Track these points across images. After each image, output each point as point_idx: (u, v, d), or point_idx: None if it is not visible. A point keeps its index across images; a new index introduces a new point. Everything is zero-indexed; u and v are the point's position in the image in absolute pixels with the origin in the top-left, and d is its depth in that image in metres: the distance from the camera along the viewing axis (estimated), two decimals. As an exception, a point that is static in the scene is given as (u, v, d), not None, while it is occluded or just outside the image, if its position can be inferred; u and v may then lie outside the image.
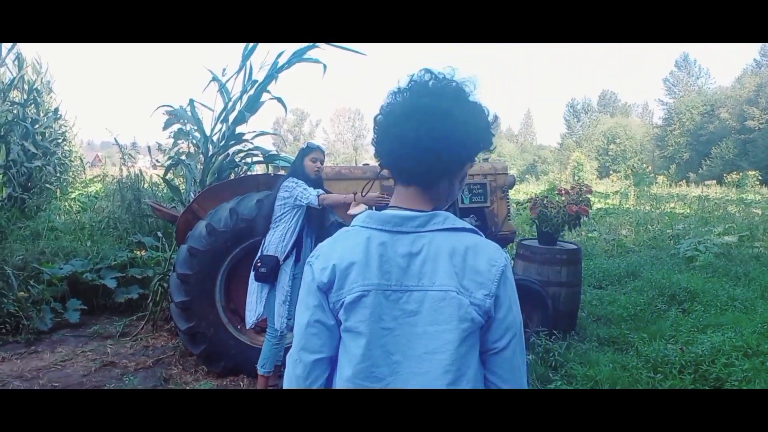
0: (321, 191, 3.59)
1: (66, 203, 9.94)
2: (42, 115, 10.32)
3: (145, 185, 8.31)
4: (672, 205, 15.49)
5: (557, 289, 4.90)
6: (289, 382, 1.24)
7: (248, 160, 6.17)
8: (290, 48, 5.67)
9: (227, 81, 5.73)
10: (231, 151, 5.90)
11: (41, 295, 5.20)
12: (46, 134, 10.46)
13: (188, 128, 6.08)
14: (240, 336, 4.16)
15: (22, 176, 8.95)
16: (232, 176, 5.79)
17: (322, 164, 3.85)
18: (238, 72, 5.71)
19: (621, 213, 13.31)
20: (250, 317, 3.71)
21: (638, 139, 56.47)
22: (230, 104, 5.71)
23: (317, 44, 5.46)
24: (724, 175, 26.51)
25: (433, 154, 1.12)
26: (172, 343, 4.81)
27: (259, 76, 5.70)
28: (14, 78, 9.12)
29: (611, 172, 46.56)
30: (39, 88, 10.35)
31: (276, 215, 3.66)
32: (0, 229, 7.14)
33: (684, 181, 31.83)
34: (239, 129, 5.78)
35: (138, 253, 6.14)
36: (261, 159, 6.27)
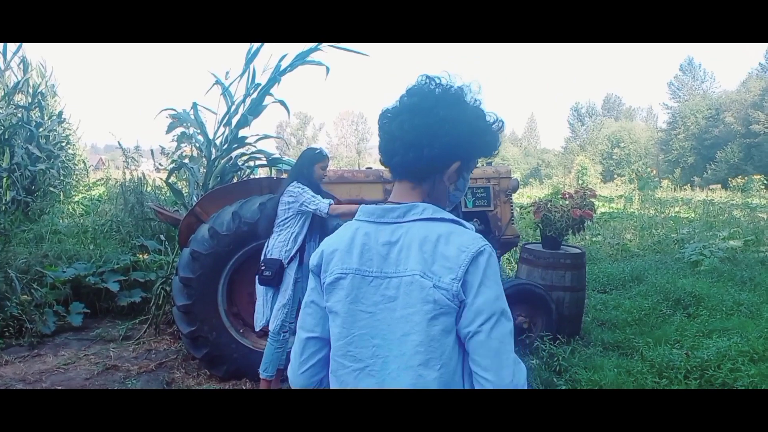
0: (332, 201, 3.58)
1: (69, 206, 9.97)
2: (46, 118, 10.37)
3: (148, 188, 8.33)
4: (677, 209, 15.40)
5: (561, 293, 4.87)
6: (291, 358, 1.38)
7: (251, 163, 6.17)
8: (293, 51, 5.68)
9: (230, 84, 5.74)
10: (234, 154, 5.90)
11: (44, 299, 5.20)
12: (50, 137, 10.50)
13: (191, 132, 6.09)
14: (242, 340, 4.15)
15: (26, 179, 8.98)
16: (235, 180, 5.79)
17: (325, 172, 3.88)
18: (242, 75, 5.72)
19: (625, 217, 13.26)
20: (259, 321, 3.71)
21: (643, 143, 56.33)
22: (233, 107, 5.71)
23: (320, 47, 5.46)
24: (729, 179, 26.41)
25: (416, 150, 1.20)
26: (174, 347, 4.81)
27: (262, 79, 5.70)
28: (19, 81, 9.16)
29: (615, 176, 46.40)
30: (43, 91, 10.40)
31: (279, 219, 3.65)
32: (3, 232, 7.14)
33: (689, 185, 31.74)
34: (242, 132, 5.78)
35: (141, 256, 6.14)
36: (264, 162, 6.27)
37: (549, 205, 5.10)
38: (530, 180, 37.72)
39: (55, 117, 10.94)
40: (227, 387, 4.07)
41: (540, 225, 5.18)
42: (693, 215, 13.95)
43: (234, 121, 5.72)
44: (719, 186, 27.60)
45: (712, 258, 7.73)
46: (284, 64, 5.66)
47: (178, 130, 6.17)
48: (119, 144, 8.65)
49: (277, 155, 6.73)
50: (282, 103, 5.83)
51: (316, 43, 5.35)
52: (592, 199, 5.26)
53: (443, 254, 1.17)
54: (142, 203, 7.35)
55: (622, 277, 7.28)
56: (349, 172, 5.36)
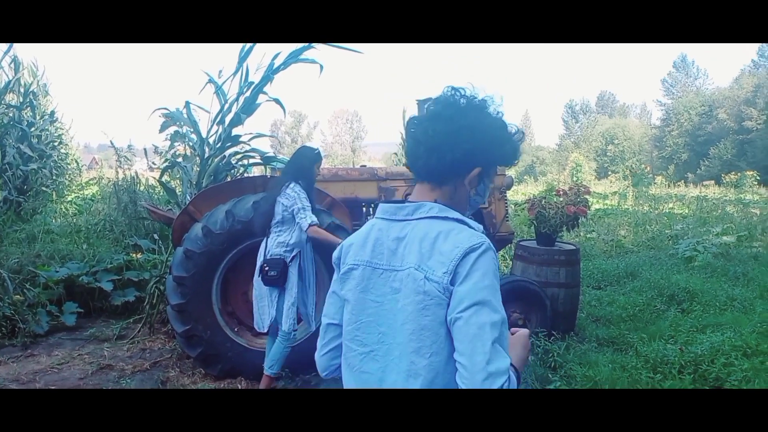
0: (315, 220, 3.56)
1: (62, 206, 9.91)
2: (38, 117, 10.30)
3: (141, 188, 8.29)
4: (670, 205, 15.47)
5: (556, 290, 4.88)
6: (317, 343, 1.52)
7: (245, 162, 6.15)
8: (286, 49, 5.66)
9: (223, 83, 5.71)
10: (227, 153, 5.88)
11: (37, 299, 5.17)
12: (42, 137, 10.43)
13: (184, 130, 6.06)
14: (237, 338, 4.14)
15: (18, 179, 8.91)
16: (229, 178, 5.77)
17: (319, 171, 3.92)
18: (235, 74, 5.70)
19: (619, 214, 13.29)
20: (265, 322, 3.67)
21: (636, 140, 56.51)
22: (226, 106, 5.69)
23: (313, 45, 5.45)
24: (723, 175, 26.54)
25: (438, 154, 1.30)
26: (169, 346, 4.79)
27: (256, 77, 5.69)
28: (10, 81, 9.09)
29: (610, 172, 46.57)
30: (35, 90, 10.32)
31: (277, 219, 3.64)
32: (-4, 232, 7.11)
33: (682, 181, 31.83)
34: (235, 131, 5.76)
35: (134, 255, 6.11)
36: (258, 161, 6.25)
37: (543, 202, 5.11)
38: (525, 177, 37.78)
39: (47, 116, 10.86)
40: (222, 386, 4.05)
41: (534, 222, 5.19)
42: (687, 211, 14.02)
43: (227, 119, 5.70)
44: (713, 182, 27.75)
45: (706, 254, 7.77)
46: (277, 62, 5.64)
47: (172, 129, 6.14)
48: (111, 143, 8.61)
49: (271, 154, 6.71)
50: (277, 101, 5.81)
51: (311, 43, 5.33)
52: (586, 196, 5.27)
53: (439, 250, 1.24)
54: (136, 202, 7.31)
55: (617, 273, 7.31)
56: (343, 170, 5.34)
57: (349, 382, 1.40)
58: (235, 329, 4.22)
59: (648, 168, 33.62)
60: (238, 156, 6.05)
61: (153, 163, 8.76)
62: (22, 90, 9.60)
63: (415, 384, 1.26)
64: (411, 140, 1.37)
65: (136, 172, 8.66)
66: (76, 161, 14.10)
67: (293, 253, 3.65)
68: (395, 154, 14.84)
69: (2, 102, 8.77)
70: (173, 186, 7.11)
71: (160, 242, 6.09)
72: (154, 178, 8.06)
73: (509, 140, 1.36)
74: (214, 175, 5.70)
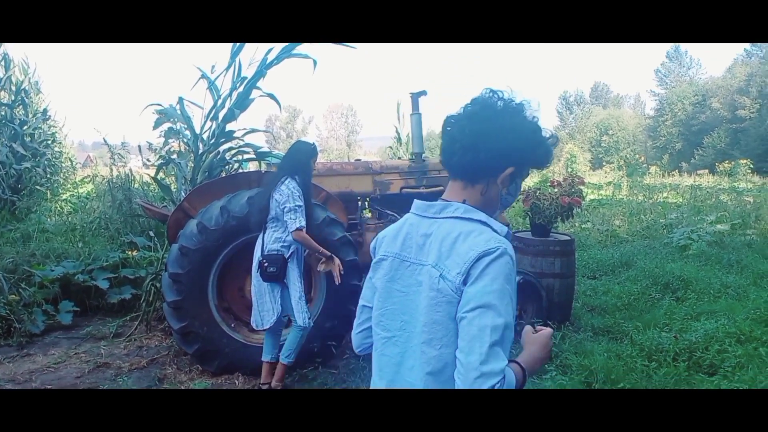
0: (303, 224, 3.53)
1: (57, 205, 9.87)
2: (30, 116, 10.24)
3: (136, 185, 8.26)
4: (665, 194, 15.51)
5: (551, 280, 4.91)
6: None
7: (239, 157, 6.13)
8: (279, 44, 5.63)
9: (216, 78, 5.67)
10: (222, 148, 5.85)
11: (32, 298, 5.15)
12: (35, 135, 10.37)
13: (178, 127, 6.03)
14: (234, 334, 4.14)
15: (11, 178, 8.87)
16: (223, 174, 5.75)
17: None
18: (227, 69, 5.66)
19: (614, 204, 13.34)
20: (269, 318, 3.66)
21: (631, 130, 56.57)
22: (220, 101, 5.66)
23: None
24: (716, 164, 26.58)
25: (473, 152, 1.35)
26: (166, 343, 4.79)
27: (249, 72, 5.65)
28: (1, 79, 9.03)
29: (604, 163, 46.59)
30: (27, 88, 10.26)
31: (271, 215, 3.64)
32: (-10, 231, 7.08)
33: (677, 170, 31.91)
34: (229, 126, 5.73)
35: (130, 253, 6.10)
36: (252, 156, 6.23)
37: (538, 193, 5.12)
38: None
39: (39, 114, 10.80)
40: (219, 382, 4.06)
41: (529, 213, 5.21)
42: (681, 200, 14.06)
43: (221, 115, 5.67)
44: (707, 171, 27.82)
45: (700, 242, 7.82)
46: (270, 57, 5.60)
47: (166, 126, 6.11)
48: (104, 140, 8.57)
49: (266, 149, 6.69)
50: (272, 96, 5.78)
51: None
52: (581, 187, 5.29)
53: (457, 251, 1.31)
54: (130, 200, 7.29)
55: (612, 262, 7.34)
56: (337, 164, 5.34)
57: (374, 362, 1.51)
58: (232, 325, 4.22)
59: (642, 158, 33.72)
60: (233, 152, 6.03)
61: (147, 160, 8.73)
62: (13, 88, 9.53)
63: (423, 373, 1.34)
64: (447, 138, 1.42)
65: (130, 170, 8.62)
66: (70, 159, 14.03)
67: (291, 249, 3.65)
68: (390, 147, 14.80)
69: (-7, 101, 8.71)
70: (168, 183, 7.09)
71: (156, 239, 6.09)
72: (149, 175, 8.03)
73: (543, 143, 1.41)
74: (208, 171, 5.67)
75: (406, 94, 5.43)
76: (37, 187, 9.84)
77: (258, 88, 5.69)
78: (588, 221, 10.75)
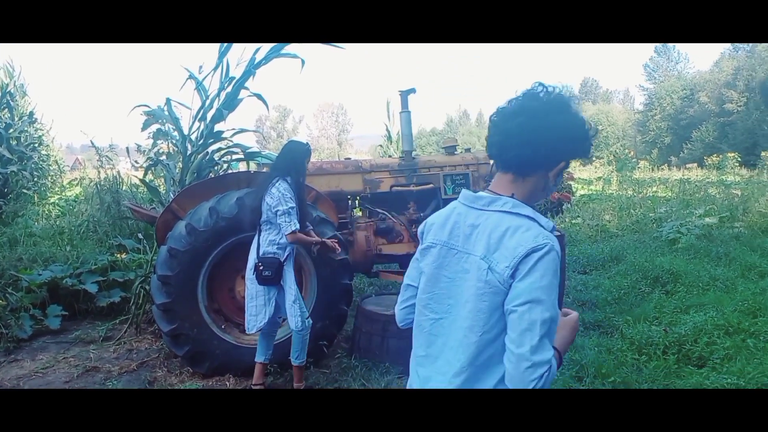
0: (297, 227, 3.50)
1: (44, 208, 9.76)
2: (16, 119, 10.12)
3: (124, 187, 8.19)
4: (654, 189, 15.61)
5: (542, 276, 4.91)
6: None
7: (228, 158, 6.10)
8: (267, 44, 5.60)
9: (204, 78, 5.64)
10: (210, 149, 5.82)
11: (20, 303, 5.09)
12: (21, 138, 10.27)
13: (167, 128, 5.99)
14: (224, 335, 4.12)
15: (-2, 182, 8.77)
16: (212, 175, 5.71)
17: None
18: (215, 69, 5.62)
19: (604, 198, 13.39)
20: (258, 321, 3.63)
21: (620, 125, 56.90)
22: (208, 102, 5.62)
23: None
24: (705, 157, 26.80)
25: (531, 147, 1.41)
26: (156, 346, 4.75)
27: (237, 72, 5.62)
28: (-15, 82, 8.92)
29: (594, 158, 46.84)
30: (12, 91, 10.15)
31: (264, 218, 3.60)
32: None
33: (666, 165, 32.15)
34: (218, 127, 5.70)
35: (119, 256, 6.04)
36: (242, 156, 6.20)
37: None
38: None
39: (25, 117, 10.68)
40: (210, 384, 4.04)
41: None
42: (670, 194, 14.16)
43: (209, 115, 5.64)
44: (695, 165, 28.05)
45: (689, 235, 7.87)
46: (258, 57, 5.57)
47: (154, 127, 6.06)
48: (92, 143, 8.49)
49: (255, 149, 6.66)
50: (259, 96, 5.75)
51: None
52: (570, 182, 5.31)
53: (506, 245, 1.37)
54: (119, 202, 7.23)
55: (602, 257, 7.38)
56: (327, 163, 5.32)
57: (418, 340, 1.59)
58: (222, 326, 4.20)
59: (632, 153, 33.90)
60: (221, 152, 6.00)
61: (135, 162, 8.66)
62: (-3, 91, 9.42)
63: (463, 356, 1.43)
64: (501, 133, 1.46)
65: (118, 172, 8.55)
66: (57, 162, 13.89)
67: (287, 252, 3.63)
68: (380, 146, 14.78)
69: (-23, 104, 8.60)
70: (156, 184, 7.04)
71: (145, 242, 6.04)
72: (137, 177, 7.97)
73: (588, 137, 1.48)
74: (197, 172, 5.64)
75: (396, 92, 5.42)
76: (24, 190, 9.74)
77: (246, 88, 5.66)
78: (578, 216, 10.79)
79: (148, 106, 5.91)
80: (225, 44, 5.57)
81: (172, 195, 5.39)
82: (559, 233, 5.01)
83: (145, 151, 8.40)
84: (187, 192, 4.38)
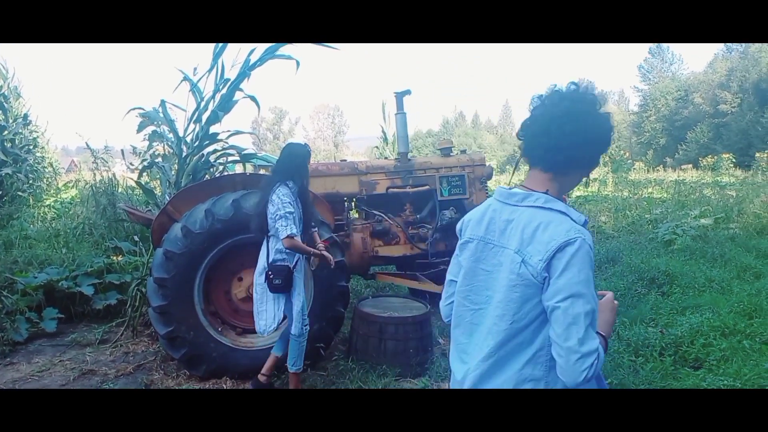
0: (293, 231, 3.47)
1: (40, 211, 9.71)
2: (11, 121, 10.07)
3: (120, 189, 8.15)
4: (650, 190, 15.64)
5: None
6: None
7: (223, 159, 6.09)
8: (262, 45, 5.60)
9: (199, 80, 5.64)
10: (206, 151, 5.81)
11: (15, 306, 5.06)
12: (16, 141, 10.21)
13: (162, 130, 5.98)
14: (221, 338, 4.11)
15: (-8, 185, 8.73)
16: (208, 177, 5.70)
17: None
18: (210, 71, 5.63)
19: (600, 200, 13.42)
20: (269, 325, 3.62)
21: (615, 127, 56.81)
22: (203, 104, 5.62)
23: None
24: (700, 158, 26.89)
25: (582, 149, 1.50)
26: (152, 348, 4.74)
27: (231, 74, 5.62)
28: (-21, 84, 8.87)
29: (590, 159, 46.97)
30: (6, 93, 10.10)
31: (271, 224, 3.55)
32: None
33: (661, 166, 32.21)
34: (213, 129, 5.69)
35: (115, 258, 6.03)
36: (237, 158, 6.19)
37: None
38: (507, 167, 37.96)
39: (20, 119, 10.63)
40: (207, 387, 4.02)
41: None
42: (665, 195, 14.19)
43: (204, 117, 5.63)
44: (690, 166, 28.13)
45: (685, 237, 7.88)
46: (253, 58, 5.58)
47: (149, 129, 6.05)
48: (87, 145, 8.46)
49: (251, 151, 6.65)
50: (252, 98, 5.74)
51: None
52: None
53: (539, 239, 1.45)
54: (114, 204, 7.20)
55: (598, 258, 7.38)
56: (323, 165, 5.32)
57: (459, 329, 1.67)
58: (219, 329, 4.18)
59: (627, 154, 33.96)
60: (217, 154, 5.99)
61: (131, 164, 8.63)
62: (-8, 93, 9.37)
63: (492, 341, 1.52)
64: (542, 134, 1.51)
65: (114, 174, 8.51)
66: (53, 164, 13.82)
67: (295, 258, 3.61)
68: (377, 147, 14.78)
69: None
70: (152, 186, 7.02)
71: (141, 244, 6.01)
72: (132, 179, 7.94)
73: (611, 134, 1.58)
74: (192, 174, 5.63)
75: (392, 93, 5.42)
76: (19, 193, 9.69)
77: (241, 90, 5.66)
78: (574, 218, 10.79)
79: (143, 109, 5.90)
80: (219, 45, 5.57)
81: (167, 197, 5.38)
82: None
83: (140, 153, 8.38)
84: (183, 194, 4.37)
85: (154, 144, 6.79)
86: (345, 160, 5.73)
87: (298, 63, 5.52)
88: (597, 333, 1.42)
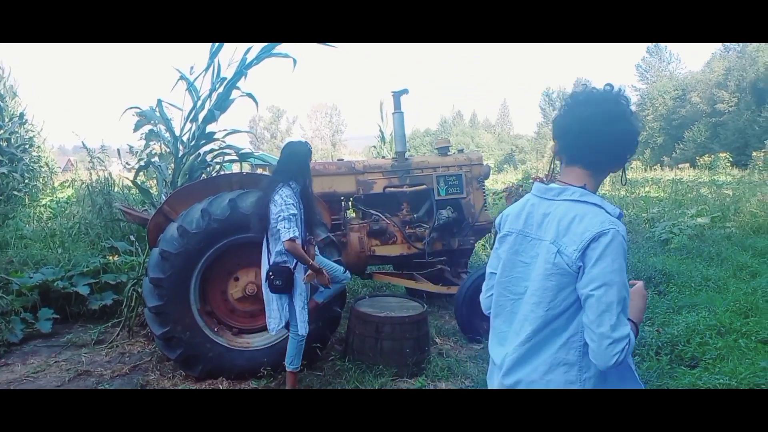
0: (295, 234, 3.44)
1: (35, 210, 9.68)
2: (6, 120, 10.04)
3: (116, 189, 8.13)
4: (647, 189, 15.68)
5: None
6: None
7: (220, 159, 6.07)
8: (258, 44, 5.58)
9: (195, 79, 5.61)
10: (202, 150, 5.79)
11: (10, 306, 5.04)
12: (12, 140, 10.19)
13: (158, 129, 5.95)
14: (217, 338, 4.09)
15: (-12, 184, 8.69)
16: (204, 176, 5.68)
17: None
18: (206, 70, 5.60)
19: (597, 199, 13.44)
20: (277, 324, 3.64)
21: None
22: (199, 103, 5.60)
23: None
24: (697, 157, 26.98)
25: (624, 148, 1.59)
26: (148, 349, 4.72)
27: (228, 73, 5.60)
28: (-26, 84, 8.84)
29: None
30: (2, 93, 10.07)
31: (272, 225, 3.53)
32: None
33: (658, 165, 32.30)
34: (210, 128, 5.67)
35: (111, 258, 6.00)
36: (234, 158, 6.17)
37: (520, 190, 5.15)
38: (505, 166, 38.00)
39: (16, 119, 10.60)
40: (203, 387, 4.01)
41: (512, 210, 5.21)
42: (662, 194, 14.22)
43: (201, 116, 5.61)
44: (687, 165, 28.20)
45: (681, 236, 7.90)
46: (250, 57, 5.56)
47: (146, 128, 6.03)
48: (83, 144, 8.43)
49: (248, 150, 6.63)
50: (250, 96, 5.72)
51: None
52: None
53: (574, 230, 1.51)
54: (110, 204, 7.17)
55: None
56: (320, 164, 5.31)
57: (500, 318, 1.74)
58: (215, 329, 4.17)
59: (625, 153, 33.91)
60: (214, 153, 5.97)
61: (127, 163, 8.60)
62: (-13, 93, 9.34)
63: (529, 327, 1.59)
64: (579, 135, 1.58)
65: (110, 174, 8.48)
66: (49, 164, 13.79)
67: (296, 260, 3.59)
68: (374, 147, 14.78)
69: (-33, 105, 8.52)
70: (148, 186, 7.00)
71: (137, 244, 6.00)
72: (128, 178, 7.91)
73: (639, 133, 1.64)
74: (189, 173, 5.61)
75: (389, 92, 5.41)
76: (15, 192, 9.66)
77: (238, 89, 5.64)
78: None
79: (140, 108, 5.88)
80: (216, 44, 5.54)
81: (164, 197, 5.36)
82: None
83: (136, 152, 8.36)
84: (179, 194, 4.35)
85: (151, 143, 6.77)
86: (342, 160, 5.72)
87: (295, 61, 5.51)
88: (628, 319, 1.49)
